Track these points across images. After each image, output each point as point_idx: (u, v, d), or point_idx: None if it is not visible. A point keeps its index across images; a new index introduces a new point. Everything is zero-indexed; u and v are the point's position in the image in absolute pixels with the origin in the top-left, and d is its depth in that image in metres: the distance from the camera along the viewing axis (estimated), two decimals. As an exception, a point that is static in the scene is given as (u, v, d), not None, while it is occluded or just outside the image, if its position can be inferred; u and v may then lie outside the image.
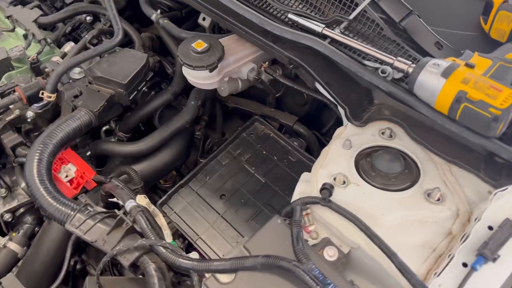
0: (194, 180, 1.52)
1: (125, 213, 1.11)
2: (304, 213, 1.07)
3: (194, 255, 1.41)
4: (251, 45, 1.47)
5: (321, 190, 1.04)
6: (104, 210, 1.15)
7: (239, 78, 1.54)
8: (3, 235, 1.41)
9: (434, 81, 1.03)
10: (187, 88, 1.57)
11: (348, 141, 1.17)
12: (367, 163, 1.12)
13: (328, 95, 1.28)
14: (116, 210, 1.17)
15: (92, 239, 1.05)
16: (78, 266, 1.60)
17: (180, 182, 1.50)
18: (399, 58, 1.12)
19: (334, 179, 1.10)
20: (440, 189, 1.05)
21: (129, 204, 1.10)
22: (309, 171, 1.50)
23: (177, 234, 1.49)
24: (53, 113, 1.39)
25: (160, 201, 1.46)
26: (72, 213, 1.09)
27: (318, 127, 1.74)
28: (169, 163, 1.49)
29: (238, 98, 1.74)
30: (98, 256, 1.46)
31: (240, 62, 1.46)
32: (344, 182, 1.08)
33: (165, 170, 1.50)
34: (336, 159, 1.15)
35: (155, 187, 1.73)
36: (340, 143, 1.19)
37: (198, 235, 1.42)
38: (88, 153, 1.47)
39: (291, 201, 1.16)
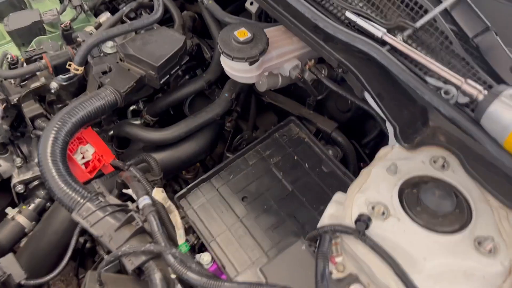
0: (217, 177, 1.42)
1: (138, 208, 1.01)
2: (333, 241, 0.95)
3: (206, 256, 1.33)
4: (298, 40, 1.33)
5: (357, 221, 0.91)
6: (116, 202, 1.06)
7: (280, 74, 1.41)
8: (14, 205, 1.36)
9: (508, 115, 0.88)
10: (223, 77, 1.45)
11: (394, 165, 1.03)
12: (413, 195, 0.98)
13: (377, 108, 1.14)
14: (129, 203, 1.08)
15: (99, 233, 0.97)
16: (87, 245, 1.54)
17: (202, 177, 1.40)
18: (469, 81, 0.97)
19: (373, 208, 0.97)
20: (494, 239, 0.90)
21: (142, 201, 1.00)
22: (343, 185, 1.38)
23: (192, 229, 1.41)
24: (78, 86, 1.31)
25: (179, 194, 1.37)
26: (81, 201, 1.01)
27: (358, 137, 1.60)
28: (193, 156, 1.39)
29: (276, 94, 1.61)
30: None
31: (283, 57, 1.33)
32: (383, 214, 0.95)
33: (188, 163, 1.40)
34: (377, 185, 1.02)
35: (177, 176, 1.64)
36: (384, 166, 1.05)
37: (213, 237, 1.33)
38: (111, 132, 1.38)
39: (319, 224, 1.05)
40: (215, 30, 1.47)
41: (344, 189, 1.36)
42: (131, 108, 1.48)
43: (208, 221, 1.35)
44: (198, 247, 1.46)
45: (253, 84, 1.47)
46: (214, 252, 1.30)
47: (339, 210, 1.03)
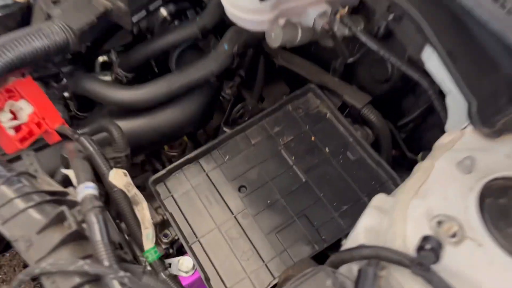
0: (207, 156, 1.08)
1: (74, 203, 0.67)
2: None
3: (187, 260, 1.01)
4: (331, -25, 0.96)
5: (420, 249, 0.56)
6: (53, 188, 0.72)
7: (300, 25, 1.04)
8: None
9: None
10: (224, 25, 1.08)
11: (469, 159, 0.68)
12: (501, 208, 0.64)
13: (442, 75, 0.78)
14: (71, 189, 0.74)
15: (12, 236, 0.63)
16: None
17: (188, 156, 1.06)
18: None
19: (439, 224, 0.62)
20: None
21: (83, 190, 0.66)
22: (374, 179, 1.03)
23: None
24: (21, 20, 0.94)
25: (155, 177, 1.03)
26: (-6, 182, 0.66)
27: (393, 116, 1.23)
28: (176, 127, 1.03)
29: (292, 55, 1.25)
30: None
31: (308, -1, 0.96)
32: (455, 235, 0.61)
33: (170, 136, 1.05)
34: (444, 188, 0.67)
35: (159, 152, 1.29)
36: (452, 160, 0.70)
37: (196, 237, 0.99)
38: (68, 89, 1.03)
39: (350, 240, 0.70)
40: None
41: (377, 184, 1.02)
42: (102, 59, 1.11)
43: (191, 215, 1.01)
44: (178, 247, 1.13)
45: (263, 38, 1.10)
46: (197, 257, 0.97)
47: (381, 222, 0.69)
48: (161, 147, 1.19)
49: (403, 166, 1.33)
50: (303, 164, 1.05)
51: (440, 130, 1.24)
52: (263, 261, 0.95)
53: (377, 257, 0.60)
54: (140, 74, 1.12)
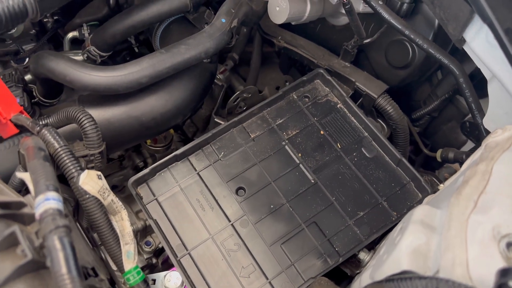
0: (199, 153, 0.92)
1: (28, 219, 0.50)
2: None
3: (174, 277, 0.86)
4: None
5: (501, 286, 0.42)
6: (5, 197, 0.54)
7: (310, -3, 0.89)
8: None
9: None
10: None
11: (538, 163, 0.55)
12: None
13: (492, 57, 0.65)
14: (29, 197, 0.57)
15: None
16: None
17: (176, 152, 0.89)
18: None
19: (508, 246, 0.48)
20: None
21: (42, 203, 0.48)
22: (394, 181, 0.87)
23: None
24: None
25: (136, 177, 0.86)
26: None
27: (406, 108, 1.10)
28: (163, 117, 0.86)
29: (296, 36, 1.09)
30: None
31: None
32: (533, 262, 0.47)
33: (155, 129, 0.87)
34: (509, 199, 0.53)
35: (139, 146, 1.12)
36: (515, 163, 0.56)
37: (186, 249, 0.83)
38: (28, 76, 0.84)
39: (387, 263, 0.56)
40: None
41: (397, 186, 0.88)
42: (71, 35, 0.93)
43: (180, 223, 0.86)
44: (164, 259, 0.97)
45: (266, 12, 0.95)
46: (187, 274, 0.81)
47: (429, 242, 0.55)
48: (139, 142, 1.01)
49: (414, 164, 1.20)
50: (311, 162, 0.90)
51: (458, 124, 1.12)
52: (267, 278, 0.81)
53: (437, 294, 0.45)
54: (117, 54, 0.94)
